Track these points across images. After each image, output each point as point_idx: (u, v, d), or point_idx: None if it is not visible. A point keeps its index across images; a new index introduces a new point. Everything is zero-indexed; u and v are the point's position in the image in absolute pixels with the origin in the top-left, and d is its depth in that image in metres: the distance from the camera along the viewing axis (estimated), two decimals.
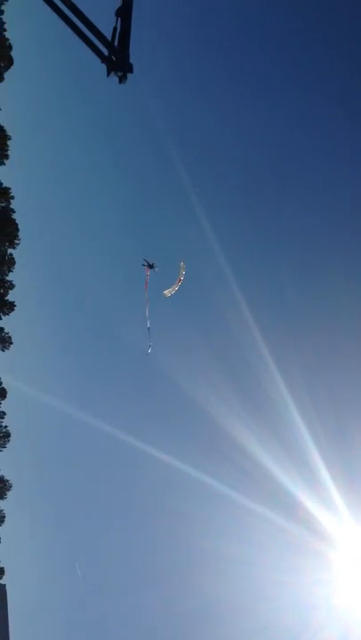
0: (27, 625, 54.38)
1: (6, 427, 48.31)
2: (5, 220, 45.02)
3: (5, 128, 44.07)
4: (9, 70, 43.08)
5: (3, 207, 45.15)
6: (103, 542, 67.17)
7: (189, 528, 63.61)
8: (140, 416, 65.87)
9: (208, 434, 64.66)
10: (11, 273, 46.27)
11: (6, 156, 44.21)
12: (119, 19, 9.77)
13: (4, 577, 48.26)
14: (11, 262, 46.07)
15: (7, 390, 47.67)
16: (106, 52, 9.64)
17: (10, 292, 46.32)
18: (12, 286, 46.37)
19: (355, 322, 62.54)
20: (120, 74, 9.78)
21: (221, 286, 58.08)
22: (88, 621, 63.88)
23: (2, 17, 41.29)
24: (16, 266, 46.40)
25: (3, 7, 40.63)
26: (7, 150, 44.16)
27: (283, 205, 68.26)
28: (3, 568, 48.96)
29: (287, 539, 54.41)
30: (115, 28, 9.74)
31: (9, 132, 44.32)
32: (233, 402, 58.86)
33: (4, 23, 41.81)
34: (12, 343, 47.14)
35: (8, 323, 46.99)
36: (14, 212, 45.61)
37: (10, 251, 45.89)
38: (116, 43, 9.70)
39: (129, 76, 9.89)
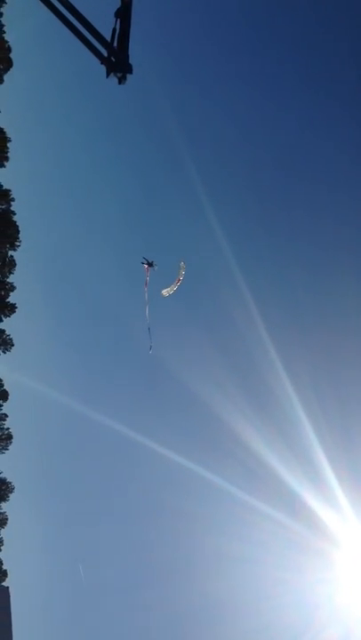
0: (30, 628, 54.43)
1: (8, 429, 48.28)
2: (6, 221, 45.04)
3: (5, 130, 44.11)
4: (8, 72, 43.12)
5: (3, 209, 45.17)
6: (106, 541, 67.12)
7: (192, 525, 63.58)
8: (144, 414, 65.77)
9: (212, 431, 64.65)
10: (11, 275, 46.31)
11: (6, 158, 44.23)
12: (118, 20, 9.79)
13: (6, 579, 48.30)
14: (12, 264, 46.08)
15: (9, 392, 47.68)
16: (105, 53, 9.65)
17: (11, 293, 46.32)
18: (12, 288, 46.35)
19: None
20: (119, 75, 9.81)
21: (227, 282, 58.09)
22: (91, 622, 63.87)
23: (1, 19, 41.33)
24: (17, 268, 46.48)
25: (2, 9, 40.65)
26: (7, 152, 44.18)
27: (290, 200, 68.47)
28: (6, 570, 48.96)
29: (290, 537, 54.37)
30: (114, 30, 9.76)
31: (9, 134, 44.38)
32: (237, 398, 58.82)
33: (3, 25, 41.83)
34: (13, 345, 47.10)
35: (9, 325, 47.01)
36: (15, 213, 45.65)
37: (11, 253, 45.92)
38: (115, 44, 9.73)
39: (128, 76, 9.92)
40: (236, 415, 57.05)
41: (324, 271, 65.80)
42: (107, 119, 62.33)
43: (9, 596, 38.56)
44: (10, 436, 48.26)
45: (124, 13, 9.78)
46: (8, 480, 48.94)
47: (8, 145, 44.23)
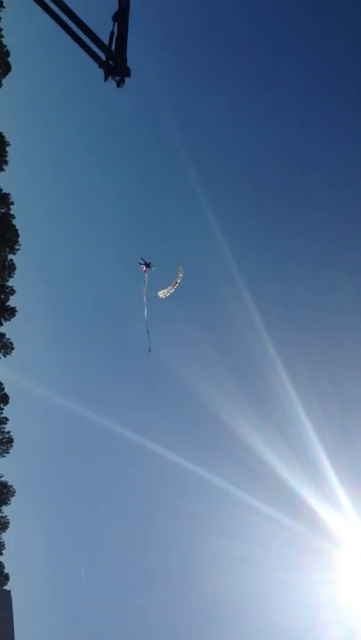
0: (32, 631, 54.34)
1: (9, 432, 48.25)
2: (5, 225, 45.08)
3: (4, 134, 44.19)
4: (7, 76, 43.20)
5: (2, 213, 45.22)
6: (107, 543, 67.08)
7: (193, 526, 63.64)
8: (145, 415, 65.82)
9: (211, 430, 64.74)
10: (11, 279, 46.32)
11: (5, 162, 44.30)
12: (116, 23, 9.84)
13: (8, 583, 48.24)
14: (11, 268, 46.11)
15: (9, 396, 47.66)
16: (103, 56, 9.70)
17: (10, 297, 46.33)
18: (12, 292, 46.38)
19: None
20: (118, 78, 9.84)
21: (226, 280, 58.14)
22: (92, 624, 63.76)
23: None
24: (16, 271, 46.49)
25: (0, 13, 40.75)
26: (6, 156, 44.25)
27: (288, 197, 68.57)
28: (7, 574, 48.91)
29: (291, 537, 54.32)
30: (112, 33, 9.81)
31: (8, 138, 44.46)
32: (236, 397, 58.87)
33: (1, 29, 41.93)
34: (13, 349, 47.09)
35: (9, 328, 47.02)
36: (14, 217, 45.70)
37: (10, 256, 45.95)
38: (113, 47, 9.77)
39: (127, 79, 9.96)
40: (235, 414, 57.12)
41: (324, 268, 65.95)
42: (105, 123, 62.56)
43: (11, 600, 38.52)
44: (11, 440, 48.22)
45: (121, 17, 9.82)
46: (9, 484, 48.94)
47: (7, 149, 44.30)
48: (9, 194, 45.36)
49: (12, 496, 48.80)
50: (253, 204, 64.92)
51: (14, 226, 45.59)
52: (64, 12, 9.24)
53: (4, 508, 48.88)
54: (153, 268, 33.18)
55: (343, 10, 58.07)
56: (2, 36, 42.17)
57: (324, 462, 50.00)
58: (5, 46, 42.53)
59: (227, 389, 59.64)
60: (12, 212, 45.55)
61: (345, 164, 66.47)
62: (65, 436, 69.70)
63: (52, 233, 63.70)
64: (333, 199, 66.96)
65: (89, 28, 9.44)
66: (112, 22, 9.83)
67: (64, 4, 9.18)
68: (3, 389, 47.27)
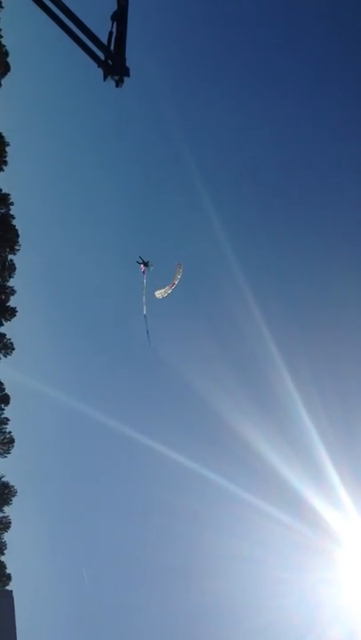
0: (34, 631, 54.37)
1: (10, 433, 48.27)
2: (5, 226, 45.10)
3: (4, 134, 44.18)
4: (6, 76, 43.20)
5: (2, 213, 45.23)
6: (109, 542, 67.11)
7: (194, 525, 63.66)
8: (146, 414, 65.90)
9: (212, 429, 64.68)
10: (11, 279, 46.33)
11: (5, 162, 44.30)
12: (115, 23, 9.83)
13: (10, 583, 48.27)
14: (11, 268, 46.12)
15: (10, 396, 47.67)
16: (102, 56, 9.70)
17: (11, 297, 46.34)
18: (12, 292, 46.39)
19: None
20: (117, 78, 9.83)
21: (226, 276, 58.11)
22: (94, 624, 63.81)
23: None
24: (17, 272, 46.50)
25: None
26: (6, 157, 44.26)
27: (289, 193, 68.59)
28: (9, 574, 48.94)
29: (292, 536, 54.31)
30: (110, 33, 9.80)
31: (7, 139, 44.45)
32: (238, 395, 58.90)
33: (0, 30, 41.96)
34: (13, 349, 47.09)
35: (9, 328, 47.02)
36: (14, 217, 45.71)
37: (10, 257, 45.96)
38: (112, 47, 9.77)
39: (126, 79, 9.95)
40: (236, 412, 57.10)
41: (325, 264, 65.95)
42: (105, 123, 62.49)
43: (12, 600, 38.43)
44: (12, 440, 48.25)
45: (120, 16, 9.82)
46: (10, 484, 48.97)
47: (7, 149, 44.30)
48: (9, 194, 45.39)
49: (14, 496, 48.86)
50: (254, 200, 64.96)
51: (14, 226, 45.62)
52: (63, 11, 9.24)
53: (6, 509, 48.94)
54: (151, 268, 32.93)
55: (346, 4, 58.05)
56: (1, 36, 42.18)
57: (325, 461, 49.97)
58: (4, 46, 42.54)
59: (228, 387, 59.72)
60: (11, 212, 45.60)
61: (346, 160, 66.57)
62: (66, 435, 69.75)
63: (52, 233, 63.74)
64: (335, 194, 67.09)
65: (88, 28, 9.43)
66: (111, 22, 9.83)
67: (63, 3, 9.18)
68: (3, 390, 47.29)
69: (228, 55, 63.51)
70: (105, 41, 9.73)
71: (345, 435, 54.40)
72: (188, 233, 65.23)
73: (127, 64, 9.82)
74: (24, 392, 54.00)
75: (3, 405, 47.60)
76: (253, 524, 57.55)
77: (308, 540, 53.64)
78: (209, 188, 58.76)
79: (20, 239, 45.78)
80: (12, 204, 45.43)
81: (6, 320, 46.31)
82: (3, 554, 49.09)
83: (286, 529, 53.93)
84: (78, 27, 9.36)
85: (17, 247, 45.86)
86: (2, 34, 42.10)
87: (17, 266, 46.37)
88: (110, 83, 9.92)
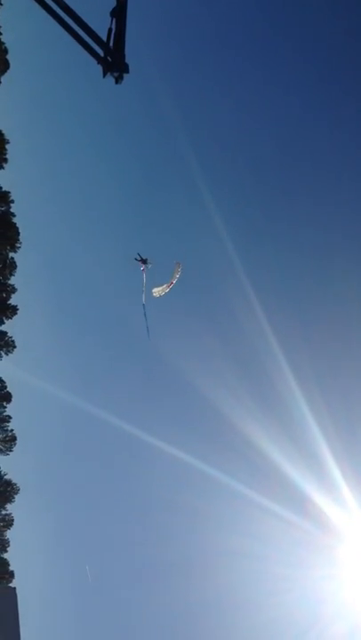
0: (37, 628, 54.55)
1: (12, 430, 48.36)
2: (6, 223, 45.09)
3: (4, 132, 44.14)
4: (5, 74, 43.13)
5: (3, 211, 45.22)
6: (112, 538, 67.31)
7: (197, 522, 63.78)
8: (148, 412, 65.91)
9: (214, 426, 64.79)
10: (12, 277, 46.34)
11: (5, 160, 44.27)
12: (114, 19, 9.82)
13: (13, 580, 48.41)
14: (12, 266, 46.12)
15: (12, 394, 47.74)
16: (102, 52, 9.68)
17: (12, 295, 46.36)
18: (13, 290, 46.40)
19: None
20: (116, 74, 9.82)
21: (227, 272, 57.98)
22: (97, 620, 64.04)
23: None
24: (18, 270, 46.50)
25: None
26: (6, 154, 44.22)
27: (290, 188, 68.50)
28: (12, 571, 49.08)
29: (294, 533, 54.32)
30: (110, 29, 9.79)
31: (7, 136, 44.42)
32: (239, 392, 58.87)
33: None
34: (15, 347, 47.12)
35: (11, 326, 47.04)
36: (14, 215, 45.70)
37: (11, 254, 45.95)
38: (111, 43, 9.75)
39: (125, 76, 9.94)
40: (238, 408, 57.07)
41: (326, 260, 65.87)
42: (105, 120, 62.39)
43: (16, 597, 38.52)
44: (14, 438, 48.34)
45: (119, 13, 9.81)
46: (13, 481, 49.08)
47: (6, 147, 44.27)
48: (9, 192, 45.37)
49: (16, 494, 48.97)
50: (255, 196, 64.89)
51: (15, 224, 45.61)
52: (62, 8, 9.23)
53: (9, 506, 49.06)
54: (150, 265, 32.73)
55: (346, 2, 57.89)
56: (0, 34, 42.11)
57: (327, 457, 49.88)
58: (4, 43, 42.46)
59: (229, 383, 59.73)
60: (12, 210, 45.58)
61: (347, 155, 66.43)
62: (68, 432, 69.90)
63: (53, 230, 63.68)
64: (335, 189, 66.84)
65: (87, 25, 9.42)
66: (110, 18, 9.81)
67: (62, 1, 9.17)
68: (5, 387, 47.36)
69: (228, 50, 63.39)
70: (104, 37, 9.72)
71: (347, 431, 54.44)
72: (189, 229, 65.26)
73: (126, 60, 9.81)
74: (26, 390, 54.09)
75: (4, 403, 47.69)
76: (256, 520, 57.62)
77: (311, 536, 53.69)
78: (209, 183, 58.65)
79: (20, 237, 45.82)
80: (12, 201, 45.43)
81: (7, 318, 46.34)
82: (6, 551, 49.25)
83: (289, 525, 53.95)
84: (77, 24, 9.36)
85: (17, 245, 45.87)
86: (1, 31, 42.05)
87: (18, 264, 46.42)
88: (110, 79, 9.91)
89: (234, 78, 64.70)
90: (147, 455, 64.59)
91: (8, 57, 42.99)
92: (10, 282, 46.29)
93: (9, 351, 46.91)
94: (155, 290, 33.19)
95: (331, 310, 62.78)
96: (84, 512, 70.02)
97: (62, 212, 65.98)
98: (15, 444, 48.35)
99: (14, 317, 46.49)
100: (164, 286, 32.81)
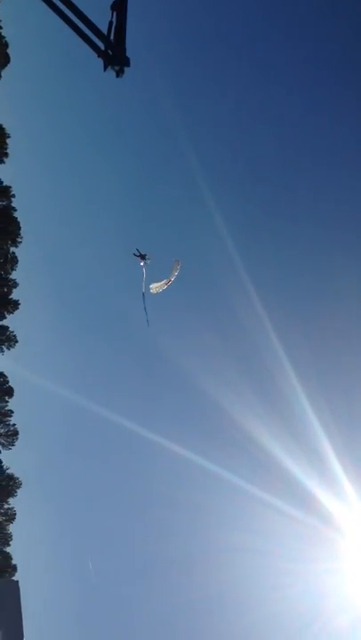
0: (40, 621, 54.85)
1: (14, 425, 48.46)
2: (7, 218, 45.06)
3: (4, 126, 44.05)
4: (6, 68, 43.02)
5: (4, 205, 45.18)
6: (116, 534, 67.52)
7: (200, 518, 63.94)
8: (148, 407, 66.13)
9: (216, 422, 64.87)
10: (14, 271, 46.34)
11: (6, 155, 44.20)
12: (115, 12, 9.77)
13: (16, 574, 48.65)
14: (14, 261, 46.11)
15: (14, 389, 47.82)
16: (102, 46, 9.64)
17: (13, 290, 46.37)
18: (15, 285, 46.40)
19: None
20: (117, 68, 9.78)
21: (227, 268, 57.88)
22: (99, 614, 64.30)
23: None
24: (19, 264, 46.47)
25: None
26: (7, 148, 44.15)
27: (290, 185, 68.33)
28: (15, 565, 49.30)
29: (296, 528, 54.47)
30: (110, 22, 9.74)
31: (8, 130, 44.32)
32: (240, 387, 58.86)
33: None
34: (17, 341, 47.17)
35: (12, 321, 47.06)
36: (15, 210, 45.64)
37: (12, 249, 45.94)
38: (112, 37, 9.71)
39: (126, 69, 9.90)
40: (239, 404, 57.07)
41: (326, 256, 65.76)
42: (106, 113, 62.19)
43: (19, 590, 38.74)
44: (16, 432, 48.43)
45: (120, 6, 9.75)
46: (15, 475, 49.20)
47: (7, 141, 44.18)
48: (10, 186, 45.32)
49: (19, 488, 49.11)
50: (255, 192, 64.76)
51: (16, 218, 45.57)
52: (62, 2, 9.19)
53: (11, 500, 49.22)
54: (149, 261, 32.48)
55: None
56: (1, 27, 41.98)
57: (328, 452, 49.99)
58: (4, 37, 42.34)
59: (230, 379, 59.77)
60: (13, 204, 45.53)
61: (347, 152, 66.27)
62: (69, 427, 69.98)
63: (54, 225, 63.59)
64: (335, 185, 66.79)
65: (87, 18, 9.38)
66: (111, 11, 9.77)
67: None
68: (7, 382, 47.43)
69: (229, 45, 63.13)
70: (105, 31, 9.67)
71: (348, 426, 54.51)
72: (188, 224, 65.07)
73: (127, 54, 9.76)
74: (28, 384, 54.13)
75: (6, 398, 47.77)
76: (258, 516, 57.78)
77: (313, 530, 53.87)
78: (209, 178, 58.54)
79: (21, 231, 45.80)
80: (13, 196, 45.39)
81: (9, 313, 46.37)
82: (8, 545, 49.46)
83: (291, 520, 54.12)
84: (78, 17, 9.31)
85: (19, 239, 45.85)
86: (2, 25, 41.91)
87: (19, 258, 46.39)
88: (111, 73, 9.87)
89: (234, 72, 64.43)
90: (148, 451, 64.70)
91: (8, 51, 42.90)
92: (11, 276, 46.31)
93: (10, 346, 46.98)
94: (152, 286, 32.90)
95: (332, 305, 62.68)
96: (85, 506, 70.31)
97: (63, 207, 65.92)
98: (17, 439, 48.46)
99: (15, 312, 46.55)
100: (162, 283, 32.52)
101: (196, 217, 62.83)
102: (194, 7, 58.70)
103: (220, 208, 57.75)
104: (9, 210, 45.31)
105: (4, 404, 47.98)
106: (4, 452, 48.56)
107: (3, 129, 43.95)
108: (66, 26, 9.39)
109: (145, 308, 33.26)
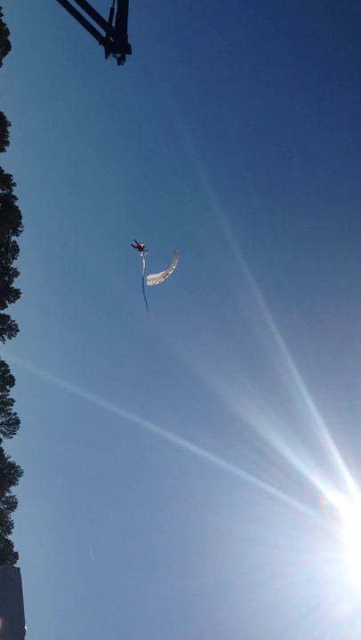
0: (41, 608, 55.32)
1: (15, 414, 48.55)
2: (8, 207, 44.87)
3: (5, 114, 43.76)
4: (7, 55, 42.67)
5: (5, 194, 44.98)
6: (120, 527, 67.99)
7: (206, 510, 64.38)
8: (149, 398, 66.33)
9: (220, 416, 65.18)
10: (15, 260, 46.21)
11: (7, 143, 43.92)
12: (116, 0, 9.68)
13: (17, 561, 48.98)
14: (15, 250, 45.98)
15: (15, 377, 47.88)
16: (104, 33, 9.56)
17: (15, 279, 46.27)
18: (16, 274, 46.29)
19: None
20: (118, 55, 9.71)
21: (230, 265, 57.98)
22: (101, 602, 64.85)
23: None
24: (20, 253, 46.34)
25: None
26: (7, 137, 43.87)
27: (291, 182, 68.16)
28: (16, 553, 49.61)
29: (299, 519, 54.85)
30: (112, 10, 9.66)
31: (9, 119, 44.03)
32: (242, 380, 59.14)
33: (0, 8, 41.33)
34: (18, 330, 47.13)
35: (14, 310, 47.02)
36: (16, 198, 45.43)
37: (13, 238, 45.80)
38: (113, 24, 9.62)
39: (128, 57, 9.81)
40: (242, 399, 57.40)
41: (327, 252, 65.71)
42: (107, 102, 61.92)
43: (20, 577, 38.97)
44: (17, 421, 48.52)
45: None
46: (17, 464, 49.38)
47: (8, 129, 43.90)
48: (11, 175, 45.08)
49: (20, 476, 49.28)
50: (255, 190, 64.66)
51: (17, 207, 45.37)
52: None
53: (12, 488, 49.42)
54: (146, 253, 32.19)
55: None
56: (1, 15, 41.57)
57: (329, 444, 50.29)
58: (5, 25, 41.95)
59: (233, 373, 60.04)
60: (14, 193, 45.34)
61: (347, 150, 65.93)
62: (71, 416, 70.24)
63: (55, 214, 63.51)
64: (336, 181, 66.50)
65: (89, 5, 9.29)
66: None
67: None
68: (8, 371, 47.46)
69: (230, 39, 62.75)
70: (107, 18, 9.59)
71: (349, 418, 54.74)
72: (189, 218, 65.03)
73: (129, 42, 9.67)
74: (29, 373, 54.28)
75: (7, 386, 47.82)
76: (260, 507, 58.19)
77: (315, 521, 54.25)
78: (209, 174, 58.43)
79: (22, 220, 45.64)
80: (14, 184, 45.16)
81: (10, 302, 46.29)
82: (10, 532, 49.73)
83: (292, 511, 54.52)
84: (79, 3, 9.22)
85: (20, 228, 45.70)
86: (2, 12, 41.52)
87: (20, 247, 46.27)
88: (112, 62, 9.79)
89: (234, 68, 64.10)
90: (149, 441, 65.07)
91: (9, 38, 42.52)
92: (12, 265, 46.20)
93: (12, 335, 46.96)
94: (149, 277, 32.55)
95: (333, 299, 62.74)
96: (85, 494, 70.69)
97: (64, 196, 65.77)
98: (18, 427, 48.58)
99: (17, 301, 46.48)
100: (160, 275, 32.21)
101: (195, 207, 62.77)
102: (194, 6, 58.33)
103: (220, 198, 57.81)
104: (10, 198, 45.10)
105: (5, 393, 48.05)
106: (5, 440, 48.76)
107: (3, 117, 43.65)
108: (67, 13, 9.30)
109: (144, 295, 32.99)
